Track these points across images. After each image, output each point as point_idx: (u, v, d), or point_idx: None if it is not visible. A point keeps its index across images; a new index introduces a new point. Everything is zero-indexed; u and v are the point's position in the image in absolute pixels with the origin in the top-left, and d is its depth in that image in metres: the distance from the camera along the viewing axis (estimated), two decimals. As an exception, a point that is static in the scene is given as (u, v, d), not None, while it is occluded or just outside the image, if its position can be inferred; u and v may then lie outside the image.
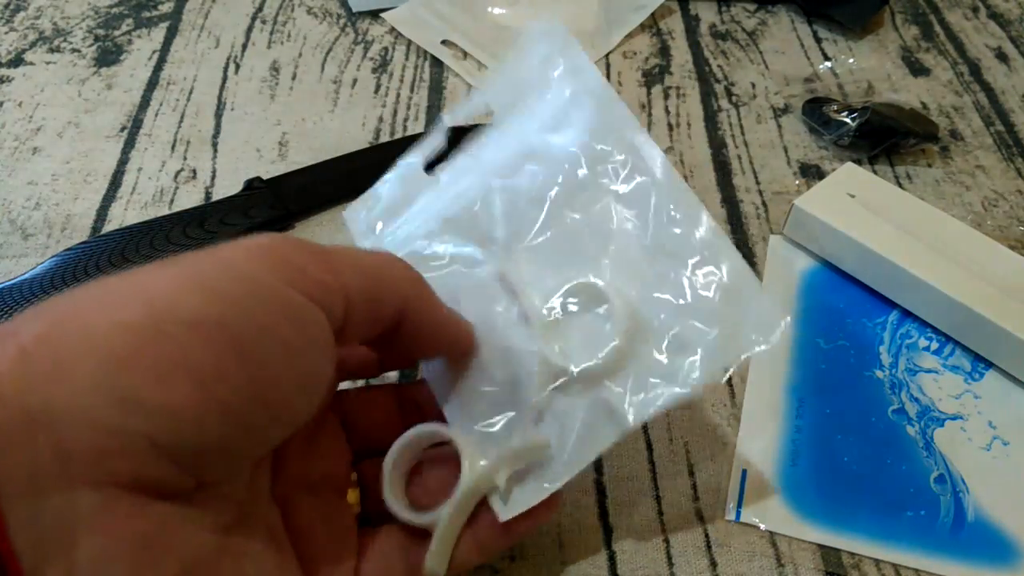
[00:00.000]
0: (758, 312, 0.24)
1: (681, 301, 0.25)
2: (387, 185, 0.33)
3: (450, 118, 0.32)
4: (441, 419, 0.27)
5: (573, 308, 0.26)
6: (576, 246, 0.27)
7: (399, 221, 0.31)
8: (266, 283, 0.19)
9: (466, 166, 0.31)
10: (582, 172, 0.28)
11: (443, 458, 0.26)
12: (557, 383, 0.25)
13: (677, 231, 0.26)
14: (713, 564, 0.29)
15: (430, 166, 0.32)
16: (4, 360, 0.16)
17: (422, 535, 0.25)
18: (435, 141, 0.32)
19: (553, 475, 0.25)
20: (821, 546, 0.30)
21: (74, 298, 0.18)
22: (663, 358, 0.25)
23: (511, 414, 0.26)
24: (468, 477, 0.24)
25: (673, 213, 0.26)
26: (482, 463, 0.25)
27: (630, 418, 0.24)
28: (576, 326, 0.26)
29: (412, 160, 0.32)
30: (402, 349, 0.25)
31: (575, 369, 0.25)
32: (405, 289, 0.23)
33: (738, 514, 0.30)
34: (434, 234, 0.30)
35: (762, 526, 0.30)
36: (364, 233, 0.32)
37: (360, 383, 0.32)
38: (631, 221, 0.27)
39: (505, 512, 0.25)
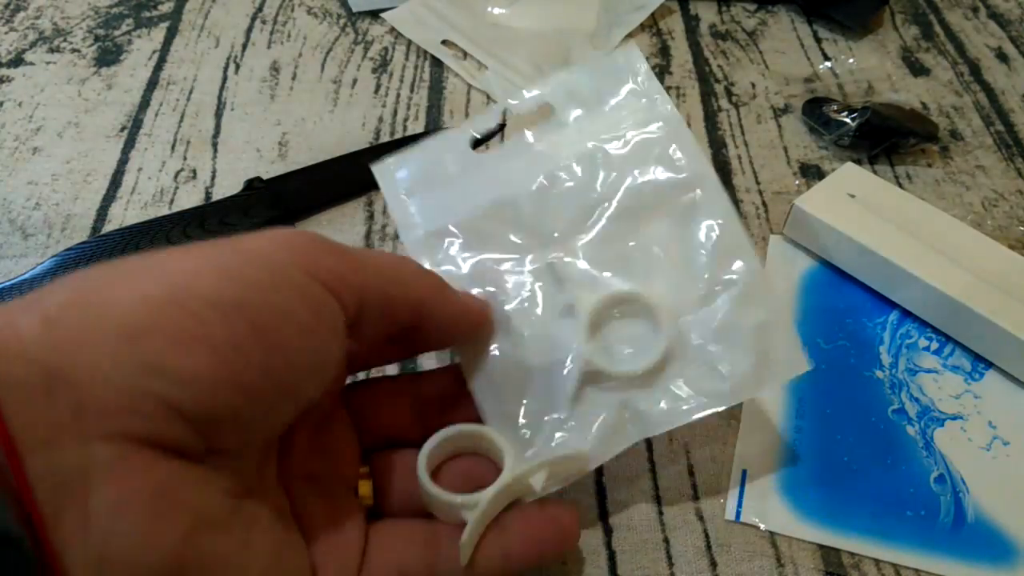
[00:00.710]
0: (786, 350, 0.27)
1: (719, 327, 0.27)
2: (426, 152, 0.31)
3: (513, 104, 0.31)
4: (458, 412, 0.27)
5: (618, 314, 0.28)
6: (630, 256, 0.29)
7: (436, 192, 0.30)
8: (285, 270, 0.20)
9: (519, 153, 0.31)
10: (647, 188, 0.29)
11: (469, 462, 0.27)
12: (593, 382, 0.27)
13: (727, 265, 0.28)
14: (713, 564, 0.29)
15: (476, 144, 0.32)
16: (29, 325, 0.17)
17: (433, 537, 0.25)
18: (487, 122, 0.32)
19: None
20: (821, 546, 0.30)
21: (97, 274, 0.19)
22: (696, 376, 0.27)
23: (552, 415, 0.27)
24: (509, 472, 0.25)
25: (726, 246, 0.28)
26: (524, 463, 0.25)
27: (656, 426, 0.26)
28: (620, 332, 0.28)
29: (457, 135, 0.31)
30: (417, 344, 0.26)
31: (614, 371, 0.27)
32: (421, 291, 0.24)
33: (738, 514, 0.30)
34: (479, 214, 0.30)
35: (762, 526, 0.30)
36: (394, 194, 0.31)
37: (372, 374, 0.32)
38: (686, 246, 0.29)
39: (539, 484, 0.25)
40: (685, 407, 0.27)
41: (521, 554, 0.25)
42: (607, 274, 0.29)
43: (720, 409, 0.26)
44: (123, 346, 0.17)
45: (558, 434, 0.27)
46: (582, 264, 0.29)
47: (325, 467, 0.25)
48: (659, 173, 0.29)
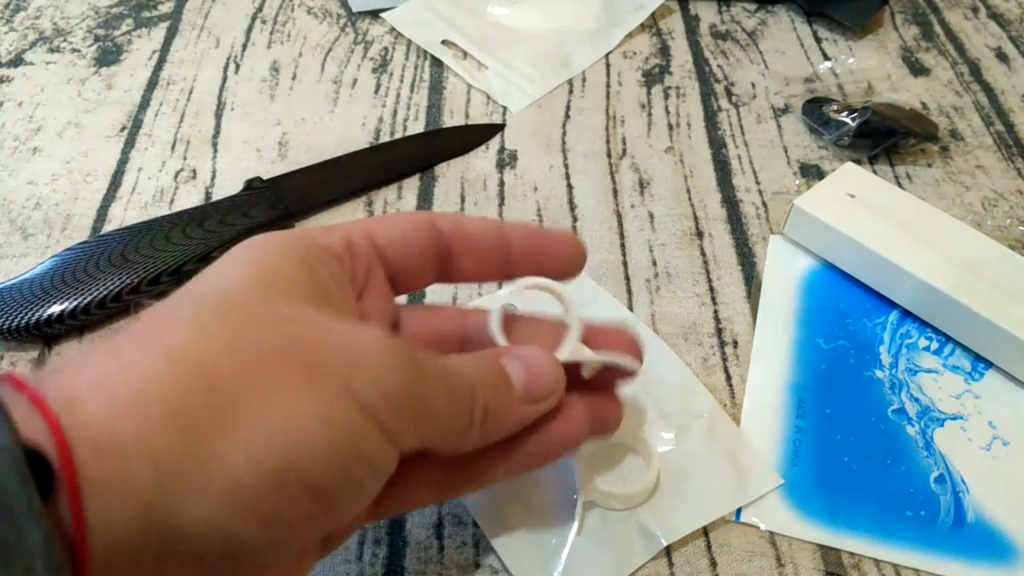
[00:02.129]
0: (757, 467, 0.31)
1: (697, 454, 0.32)
2: None
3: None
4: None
5: (607, 447, 0.32)
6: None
7: None
8: (377, 439, 0.20)
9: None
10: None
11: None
12: (596, 503, 0.30)
13: (691, 405, 0.33)
14: (713, 564, 0.29)
15: None
16: (139, 469, 0.17)
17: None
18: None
19: None
20: (821, 546, 0.30)
21: (211, 409, 0.18)
22: (689, 494, 0.30)
23: (558, 539, 0.29)
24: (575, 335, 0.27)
25: (685, 391, 0.34)
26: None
27: (663, 540, 0.29)
28: (614, 459, 0.32)
29: None
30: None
31: (615, 491, 0.30)
32: (457, 447, 0.24)
33: (738, 514, 0.30)
34: None
35: (762, 526, 0.30)
36: None
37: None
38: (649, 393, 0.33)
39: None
40: (682, 521, 0.29)
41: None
42: None
43: (713, 520, 0.30)
44: (216, 519, 0.18)
45: (564, 553, 0.29)
46: None
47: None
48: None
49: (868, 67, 0.50)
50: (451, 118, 0.46)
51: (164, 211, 0.41)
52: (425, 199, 0.42)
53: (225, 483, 0.18)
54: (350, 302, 0.24)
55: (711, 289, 0.38)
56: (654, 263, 0.39)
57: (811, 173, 0.43)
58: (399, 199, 0.42)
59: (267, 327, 0.20)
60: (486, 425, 0.23)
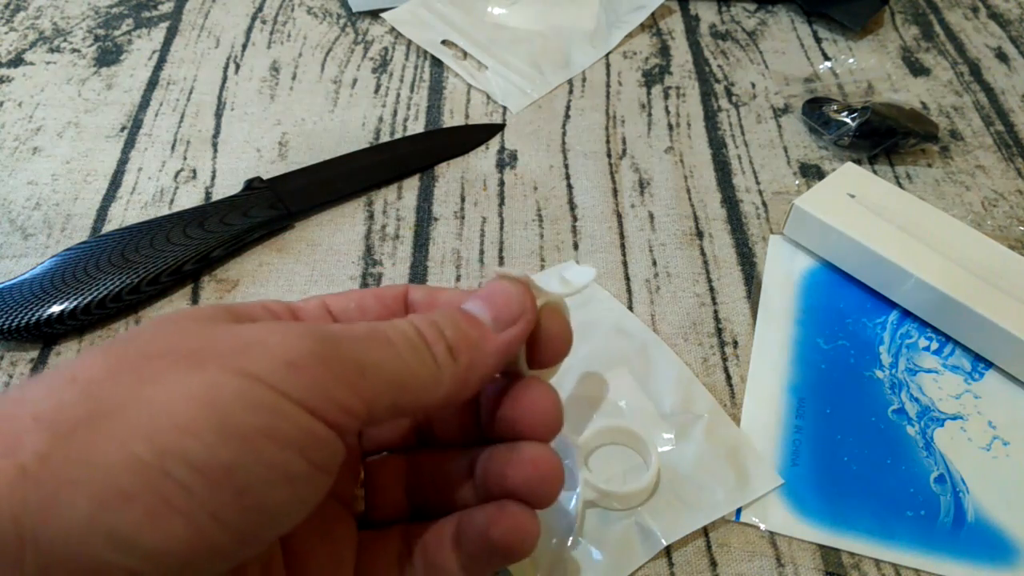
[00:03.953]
0: (757, 467, 0.31)
1: (697, 453, 0.31)
2: None
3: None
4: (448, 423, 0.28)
5: (607, 446, 0.32)
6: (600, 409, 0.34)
7: None
8: (289, 413, 0.18)
9: None
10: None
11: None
12: (597, 506, 0.30)
13: (691, 405, 0.33)
14: (713, 564, 0.29)
15: None
16: (4, 471, 0.16)
17: (424, 541, 0.25)
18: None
19: None
20: (821, 546, 0.30)
21: (84, 406, 0.17)
22: (689, 494, 0.30)
23: (559, 539, 0.29)
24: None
25: (685, 390, 0.34)
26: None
27: (662, 540, 0.29)
28: (614, 459, 0.32)
29: None
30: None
31: (615, 491, 0.29)
32: (439, 394, 0.22)
33: (738, 514, 0.30)
34: None
35: (762, 526, 0.30)
36: None
37: None
38: (650, 393, 0.34)
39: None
40: (682, 520, 0.30)
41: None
42: (597, 415, 0.33)
43: (713, 520, 0.30)
44: (98, 515, 0.16)
45: (564, 553, 0.29)
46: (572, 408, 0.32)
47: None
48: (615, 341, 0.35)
49: (868, 67, 0.50)
50: (451, 118, 0.46)
51: (164, 211, 0.41)
52: (425, 199, 0.42)
53: (100, 476, 0.17)
54: None
55: (711, 289, 0.38)
56: (654, 263, 0.39)
57: (811, 173, 0.43)
58: (399, 199, 0.42)
59: (153, 339, 0.19)
60: (460, 361, 0.22)
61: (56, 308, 0.35)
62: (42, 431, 0.17)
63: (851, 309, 0.37)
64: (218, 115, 0.46)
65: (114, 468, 0.17)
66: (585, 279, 0.26)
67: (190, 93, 0.48)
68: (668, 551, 0.29)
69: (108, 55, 0.50)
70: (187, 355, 0.18)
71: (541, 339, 0.25)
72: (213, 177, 0.43)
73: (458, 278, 0.38)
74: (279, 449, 0.18)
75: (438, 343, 0.22)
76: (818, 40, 0.52)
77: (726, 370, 0.35)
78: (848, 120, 0.43)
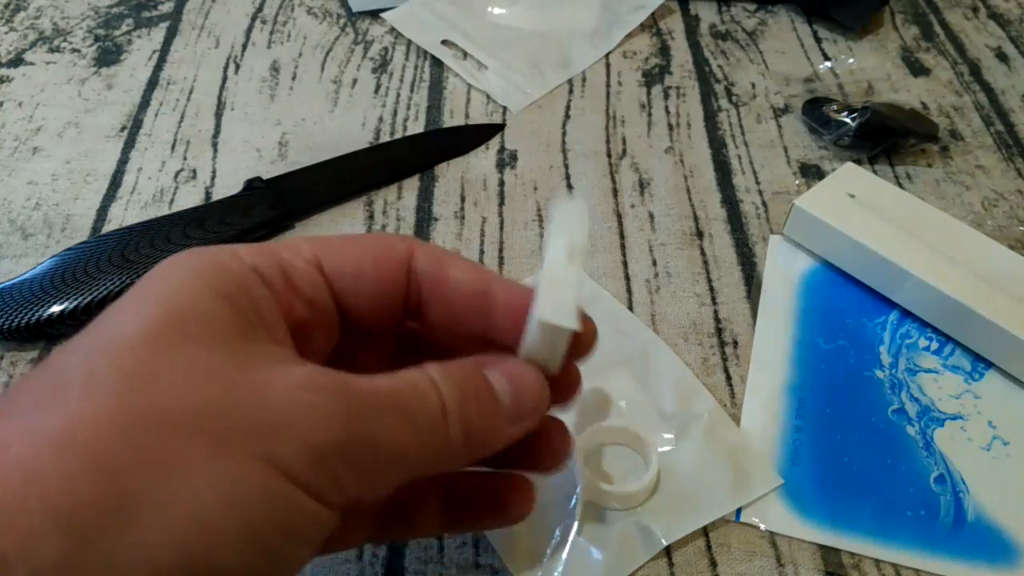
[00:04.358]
0: (757, 467, 0.31)
1: (697, 453, 0.31)
2: None
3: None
4: None
5: (607, 446, 0.32)
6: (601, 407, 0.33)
7: None
8: (305, 506, 0.18)
9: None
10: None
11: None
12: (596, 505, 0.30)
13: (690, 405, 0.33)
14: (713, 564, 0.29)
15: None
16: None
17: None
18: None
19: None
20: (821, 546, 0.30)
21: (104, 503, 0.17)
22: (689, 494, 0.30)
23: (558, 539, 0.29)
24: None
25: (685, 390, 0.34)
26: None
27: (662, 540, 0.29)
28: (614, 459, 0.32)
29: None
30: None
31: (615, 491, 0.30)
32: (435, 467, 0.22)
33: (738, 514, 0.30)
34: None
35: (762, 526, 0.30)
36: None
37: None
38: (651, 394, 0.34)
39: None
40: (682, 520, 0.30)
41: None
42: (598, 415, 0.33)
43: (713, 520, 0.30)
44: None
45: (564, 553, 0.29)
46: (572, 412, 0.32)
47: None
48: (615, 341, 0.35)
49: (868, 67, 0.50)
50: (451, 118, 0.46)
51: (164, 211, 0.41)
52: (425, 199, 0.42)
53: None
54: (278, 333, 0.21)
55: (711, 289, 0.38)
56: (654, 263, 0.39)
57: (811, 173, 0.43)
58: (399, 199, 0.42)
59: (170, 388, 0.18)
60: (471, 440, 0.21)
61: (56, 308, 0.35)
62: (60, 534, 0.16)
63: (851, 309, 0.37)
64: (218, 115, 0.46)
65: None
66: (581, 237, 0.25)
67: (190, 93, 0.48)
68: (668, 551, 0.29)
69: (108, 55, 0.50)
70: (211, 432, 0.18)
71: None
72: (213, 177, 0.43)
73: (458, 278, 0.38)
74: (288, 541, 0.18)
75: (455, 421, 0.21)
76: (818, 40, 0.52)
77: (726, 370, 0.35)
78: (848, 120, 0.43)
